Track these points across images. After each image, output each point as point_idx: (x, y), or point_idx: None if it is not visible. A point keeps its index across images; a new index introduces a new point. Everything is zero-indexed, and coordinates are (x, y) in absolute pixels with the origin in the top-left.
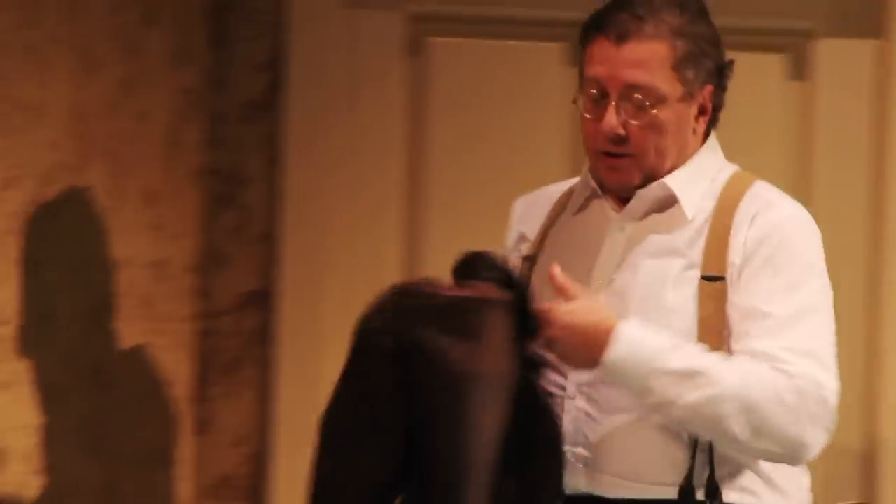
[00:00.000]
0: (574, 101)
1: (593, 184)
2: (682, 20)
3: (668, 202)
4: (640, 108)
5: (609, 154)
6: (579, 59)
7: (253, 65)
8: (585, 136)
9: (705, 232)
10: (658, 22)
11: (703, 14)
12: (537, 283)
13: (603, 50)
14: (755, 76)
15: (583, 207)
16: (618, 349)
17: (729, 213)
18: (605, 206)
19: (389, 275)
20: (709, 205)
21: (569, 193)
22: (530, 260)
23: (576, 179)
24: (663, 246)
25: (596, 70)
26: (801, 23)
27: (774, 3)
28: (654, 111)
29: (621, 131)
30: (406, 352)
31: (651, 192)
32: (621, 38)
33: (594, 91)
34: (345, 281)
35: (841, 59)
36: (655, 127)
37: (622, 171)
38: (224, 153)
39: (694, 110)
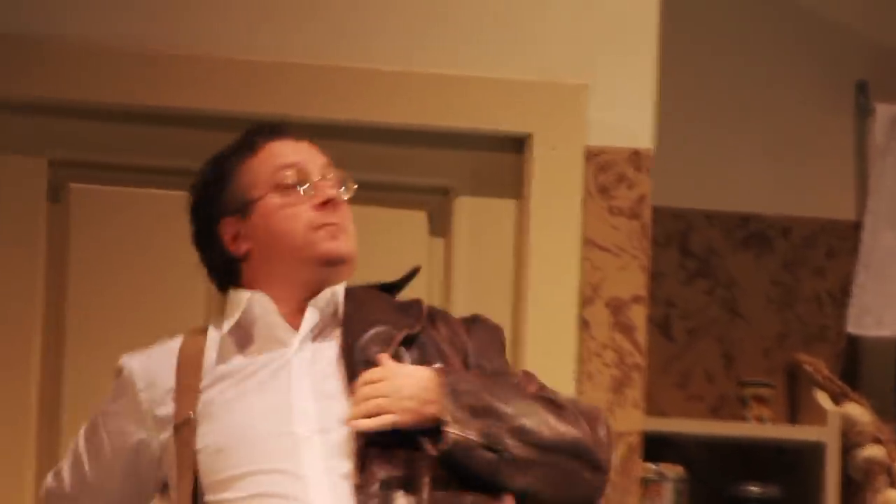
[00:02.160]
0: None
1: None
2: None
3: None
4: None
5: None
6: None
7: None
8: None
9: None
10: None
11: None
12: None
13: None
14: (402, 231)
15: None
16: None
17: None
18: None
19: (27, 417)
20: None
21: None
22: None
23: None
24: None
25: (290, 158)
26: (442, 181)
27: (418, 162)
28: None
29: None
30: None
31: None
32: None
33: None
34: None
35: (479, 216)
36: None
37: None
38: None
39: None
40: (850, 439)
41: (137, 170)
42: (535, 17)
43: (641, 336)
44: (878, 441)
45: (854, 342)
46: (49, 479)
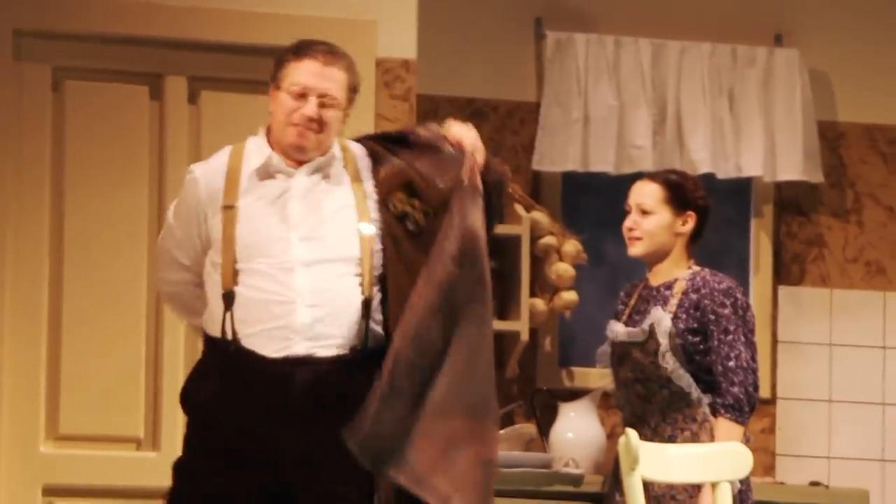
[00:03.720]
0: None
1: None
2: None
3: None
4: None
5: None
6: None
7: None
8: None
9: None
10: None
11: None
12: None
13: (310, 66)
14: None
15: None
16: None
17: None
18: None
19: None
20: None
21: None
22: (230, 209)
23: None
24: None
25: (309, 81)
26: None
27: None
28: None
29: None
30: None
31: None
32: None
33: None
34: None
35: None
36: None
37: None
38: None
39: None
40: (535, 233)
41: (103, 71)
42: None
43: None
44: (551, 234)
45: (537, 175)
46: (160, 238)
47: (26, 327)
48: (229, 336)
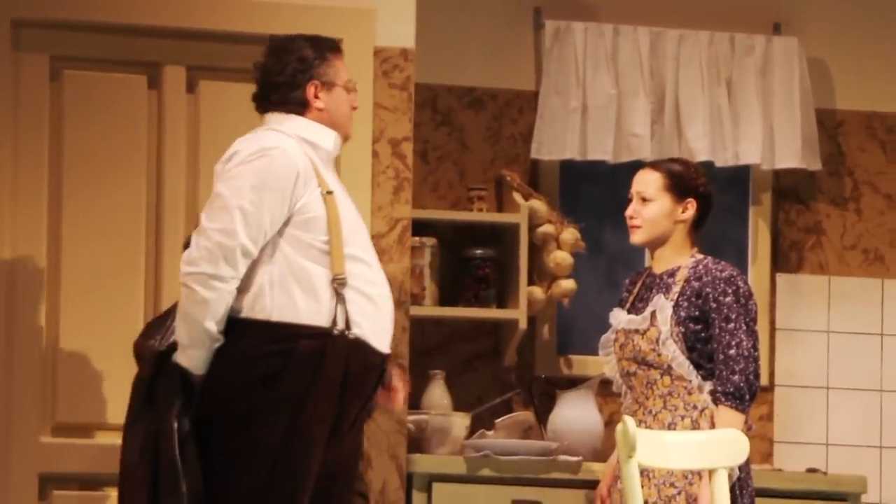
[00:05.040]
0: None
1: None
2: None
3: None
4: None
5: None
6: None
7: None
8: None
9: None
10: None
11: None
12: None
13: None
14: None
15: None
16: None
17: None
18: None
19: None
20: None
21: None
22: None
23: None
24: None
25: (349, 75)
26: None
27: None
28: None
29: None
30: None
31: None
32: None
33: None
34: None
35: None
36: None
37: None
38: None
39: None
40: (533, 221)
41: (101, 60)
42: None
43: (409, 161)
44: (549, 222)
45: (535, 163)
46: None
47: (25, 317)
48: (340, 325)
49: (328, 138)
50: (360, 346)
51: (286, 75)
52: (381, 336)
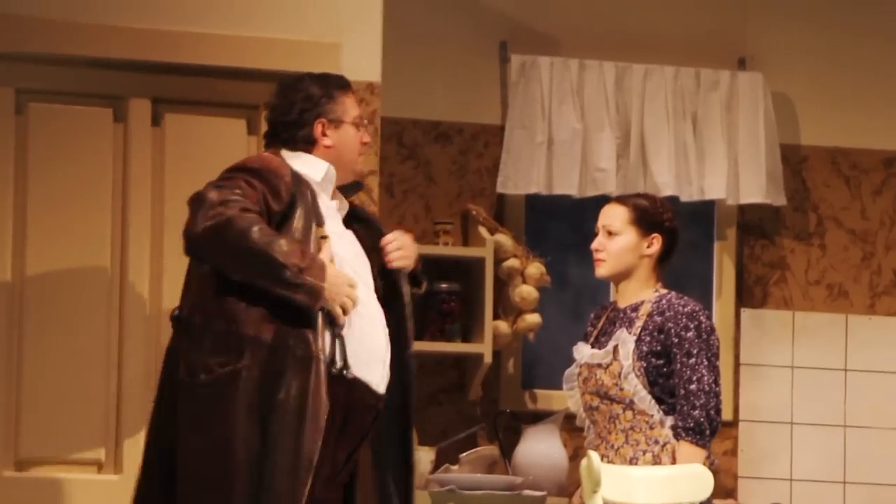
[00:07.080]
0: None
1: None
2: None
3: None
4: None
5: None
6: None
7: None
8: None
9: None
10: None
11: None
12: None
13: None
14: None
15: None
16: None
17: None
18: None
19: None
20: None
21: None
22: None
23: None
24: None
25: (359, 111)
26: (255, 101)
27: (237, 89)
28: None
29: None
30: None
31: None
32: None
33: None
34: None
35: None
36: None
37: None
38: None
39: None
40: (499, 255)
41: (67, 93)
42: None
43: (375, 195)
44: (515, 256)
45: (501, 197)
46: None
47: None
48: (339, 363)
49: (320, 169)
50: (357, 387)
51: (293, 114)
52: (381, 375)
